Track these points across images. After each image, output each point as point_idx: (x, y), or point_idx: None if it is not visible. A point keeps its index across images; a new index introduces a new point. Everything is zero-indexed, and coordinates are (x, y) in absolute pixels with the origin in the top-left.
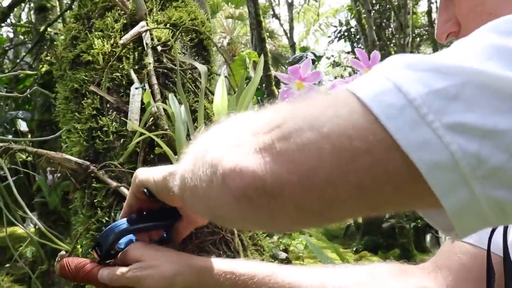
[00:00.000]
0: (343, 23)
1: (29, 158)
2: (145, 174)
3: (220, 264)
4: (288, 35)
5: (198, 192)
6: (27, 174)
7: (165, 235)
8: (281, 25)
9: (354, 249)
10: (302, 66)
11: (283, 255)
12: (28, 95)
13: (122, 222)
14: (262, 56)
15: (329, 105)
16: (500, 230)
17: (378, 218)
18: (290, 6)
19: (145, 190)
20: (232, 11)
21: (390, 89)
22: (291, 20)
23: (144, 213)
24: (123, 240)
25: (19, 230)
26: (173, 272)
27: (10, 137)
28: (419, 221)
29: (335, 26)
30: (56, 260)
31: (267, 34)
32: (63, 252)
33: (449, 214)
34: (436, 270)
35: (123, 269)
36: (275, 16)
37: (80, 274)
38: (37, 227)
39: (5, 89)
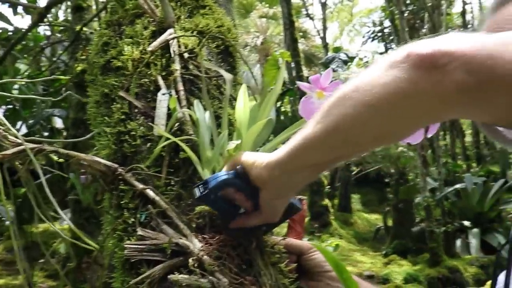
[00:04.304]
0: (377, 23)
1: (61, 160)
2: (250, 157)
3: None
4: (322, 35)
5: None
6: (61, 171)
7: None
8: (314, 25)
9: (384, 252)
10: (323, 76)
11: None
12: (63, 93)
13: (230, 173)
14: (283, 66)
15: None
16: None
17: (408, 222)
18: (324, 6)
19: (238, 167)
20: (265, 11)
21: None
22: (324, 20)
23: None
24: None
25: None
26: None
27: (45, 134)
28: (449, 225)
29: (369, 27)
30: None
31: (301, 34)
32: None
33: None
34: None
35: None
36: (309, 16)
37: None
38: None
39: (41, 87)
